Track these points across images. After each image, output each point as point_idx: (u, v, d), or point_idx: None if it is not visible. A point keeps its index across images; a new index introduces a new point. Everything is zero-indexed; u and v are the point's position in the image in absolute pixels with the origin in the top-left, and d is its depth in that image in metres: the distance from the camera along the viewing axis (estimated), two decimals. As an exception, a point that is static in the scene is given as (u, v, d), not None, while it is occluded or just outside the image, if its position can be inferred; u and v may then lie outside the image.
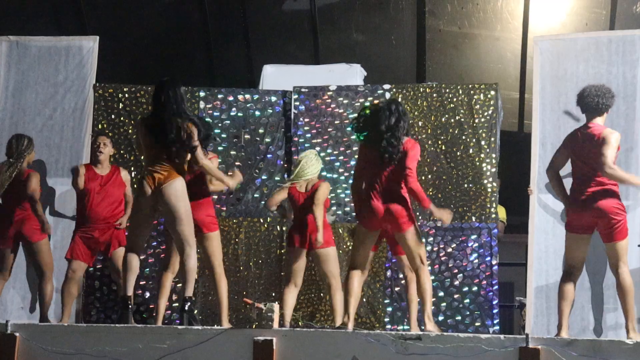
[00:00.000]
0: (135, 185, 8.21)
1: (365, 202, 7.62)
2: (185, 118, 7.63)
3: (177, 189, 7.58)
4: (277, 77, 10.87)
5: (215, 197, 8.87)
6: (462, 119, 9.50)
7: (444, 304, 9.15)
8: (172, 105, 7.65)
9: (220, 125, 9.71)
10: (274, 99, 9.81)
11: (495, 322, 9.11)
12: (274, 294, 9.33)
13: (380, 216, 7.55)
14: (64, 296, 8.75)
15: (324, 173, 9.49)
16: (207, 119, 9.69)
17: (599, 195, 7.68)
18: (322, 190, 8.65)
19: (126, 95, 9.80)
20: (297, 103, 9.71)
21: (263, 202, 9.59)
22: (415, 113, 9.56)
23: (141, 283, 9.41)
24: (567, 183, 7.98)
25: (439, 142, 9.51)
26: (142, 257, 9.37)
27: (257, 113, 9.78)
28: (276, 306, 7.23)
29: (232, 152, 9.70)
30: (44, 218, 8.83)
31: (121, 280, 7.84)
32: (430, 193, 9.32)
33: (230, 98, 9.80)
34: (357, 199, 7.78)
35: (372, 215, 7.57)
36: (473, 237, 9.28)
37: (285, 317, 8.46)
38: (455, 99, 9.55)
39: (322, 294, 9.37)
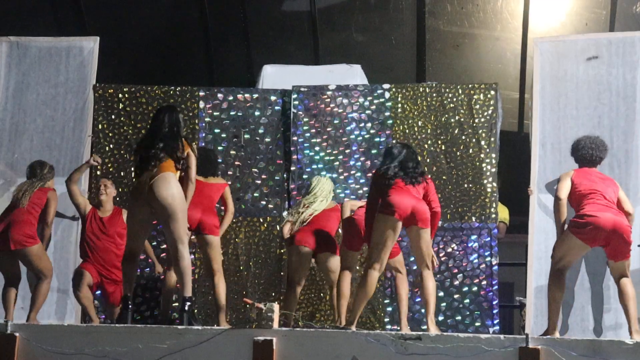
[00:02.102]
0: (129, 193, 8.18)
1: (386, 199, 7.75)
2: (178, 136, 7.61)
3: (167, 178, 7.40)
4: (277, 77, 10.87)
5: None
6: (462, 119, 9.51)
7: (444, 304, 9.16)
8: (166, 126, 7.60)
9: (220, 124, 9.72)
10: (273, 98, 9.82)
11: (495, 322, 9.12)
12: (274, 294, 9.35)
13: (403, 206, 7.66)
14: (81, 302, 8.76)
15: (323, 173, 9.51)
16: (207, 119, 9.70)
17: (617, 215, 7.72)
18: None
19: (126, 95, 9.80)
20: (297, 102, 9.71)
21: (263, 202, 9.60)
22: (415, 113, 9.57)
23: (142, 282, 9.42)
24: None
25: (439, 142, 9.52)
26: (142, 257, 9.40)
27: (257, 112, 9.79)
28: (276, 306, 7.22)
29: (232, 152, 9.71)
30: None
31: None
32: (431, 193, 9.34)
33: (230, 97, 9.81)
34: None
35: (396, 207, 7.67)
36: (473, 237, 9.29)
37: (288, 317, 8.48)
38: (455, 99, 9.56)
39: (322, 294, 9.38)
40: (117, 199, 9.38)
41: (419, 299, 9.10)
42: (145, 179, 7.46)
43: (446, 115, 9.56)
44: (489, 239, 9.27)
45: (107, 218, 9.00)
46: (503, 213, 10.52)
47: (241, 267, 9.50)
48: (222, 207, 8.66)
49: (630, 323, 7.72)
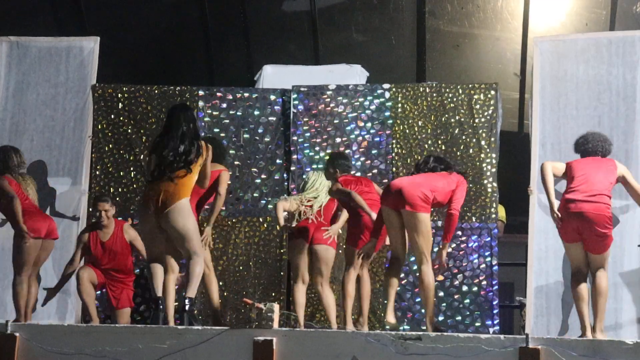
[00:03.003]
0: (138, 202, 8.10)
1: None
2: (197, 137, 7.62)
3: (183, 209, 7.46)
4: (277, 77, 10.87)
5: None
6: (462, 119, 9.51)
7: (444, 304, 9.16)
8: (184, 125, 7.58)
9: (219, 124, 9.71)
10: (273, 98, 9.82)
11: (495, 322, 9.12)
12: (273, 294, 9.34)
13: (392, 190, 7.82)
14: (83, 298, 8.79)
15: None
16: (207, 119, 9.71)
17: (591, 206, 7.78)
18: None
19: (125, 95, 9.80)
20: (297, 102, 9.71)
21: (263, 202, 9.60)
22: (415, 113, 9.57)
23: (141, 282, 9.42)
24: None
25: (439, 142, 9.52)
26: (140, 259, 9.41)
27: (257, 112, 9.78)
28: (276, 306, 7.23)
29: (232, 152, 9.71)
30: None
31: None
32: (430, 193, 9.33)
33: (230, 97, 9.81)
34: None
35: (387, 192, 7.88)
36: (473, 237, 9.29)
37: (299, 317, 8.48)
38: (455, 99, 9.55)
39: (322, 294, 9.37)
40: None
41: (419, 299, 9.10)
42: (159, 194, 7.43)
43: (446, 115, 9.56)
44: (489, 239, 9.27)
45: (108, 242, 8.96)
46: (500, 211, 10.52)
47: (241, 267, 9.49)
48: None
49: (596, 320, 7.76)
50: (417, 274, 8.03)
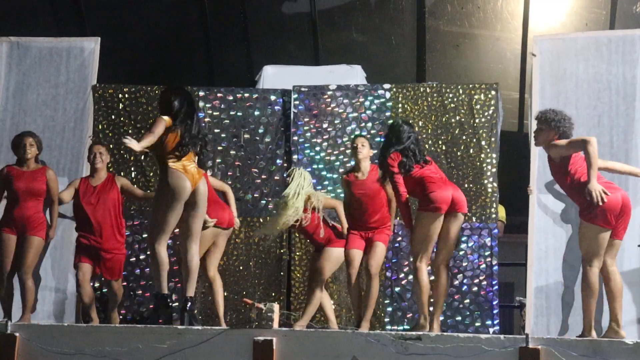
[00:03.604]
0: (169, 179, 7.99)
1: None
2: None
3: (207, 187, 7.81)
4: (277, 78, 10.88)
5: (215, 196, 8.91)
6: (463, 119, 9.51)
7: (444, 304, 9.14)
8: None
9: (219, 124, 9.72)
10: (273, 98, 9.82)
11: (495, 322, 9.11)
12: (274, 294, 9.35)
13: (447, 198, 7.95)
14: (83, 299, 8.68)
15: (323, 173, 9.52)
16: (207, 119, 9.71)
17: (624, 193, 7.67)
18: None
19: (126, 95, 9.81)
20: (297, 102, 9.71)
21: (263, 202, 9.60)
22: (416, 113, 9.57)
23: (141, 283, 9.42)
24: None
25: (439, 142, 9.52)
26: (141, 257, 9.42)
27: (257, 112, 9.78)
28: (276, 306, 7.24)
29: (232, 152, 9.71)
30: None
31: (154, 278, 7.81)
32: (430, 193, 9.33)
33: (230, 97, 9.81)
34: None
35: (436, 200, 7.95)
36: (473, 237, 9.29)
37: (329, 319, 8.51)
38: (455, 99, 9.55)
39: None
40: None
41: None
42: (194, 176, 7.67)
43: (447, 115, 9.55)
44: (489, 239, 9.26)
45: (100, 185, 8.83)
46: (500, 212, 10.53)
47: (241, 267, 9.49)
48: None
49: (615, 316, 7.46)
50: (434, 273, 8.09)
